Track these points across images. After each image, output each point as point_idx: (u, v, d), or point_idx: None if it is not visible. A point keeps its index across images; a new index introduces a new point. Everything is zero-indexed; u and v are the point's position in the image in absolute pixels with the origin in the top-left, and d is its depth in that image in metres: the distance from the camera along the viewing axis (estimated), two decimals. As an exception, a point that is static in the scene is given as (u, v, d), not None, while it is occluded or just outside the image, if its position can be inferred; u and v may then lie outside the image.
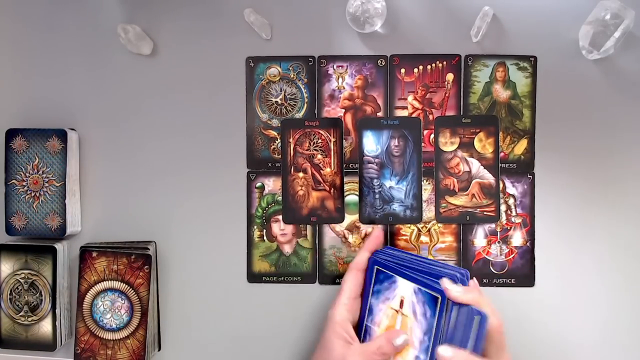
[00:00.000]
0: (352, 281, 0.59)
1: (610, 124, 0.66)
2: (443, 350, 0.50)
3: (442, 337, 0.52)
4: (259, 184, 0.69)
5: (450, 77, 0.67)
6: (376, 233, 0.63)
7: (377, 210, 0.67)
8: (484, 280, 0.67)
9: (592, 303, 0.67)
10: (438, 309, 0.52)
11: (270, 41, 0.69)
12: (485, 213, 0.67)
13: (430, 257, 0.67)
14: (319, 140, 0.68)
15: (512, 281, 0.67)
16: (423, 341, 0.53)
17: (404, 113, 0.68)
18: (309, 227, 0.69)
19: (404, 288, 0.56)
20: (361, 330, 0.59)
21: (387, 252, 0.61)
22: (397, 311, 0.56)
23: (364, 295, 0.60)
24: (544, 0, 0.66)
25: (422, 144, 0.68)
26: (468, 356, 0.50)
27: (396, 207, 0.67)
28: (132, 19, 0.69)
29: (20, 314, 0.68)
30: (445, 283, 0.52)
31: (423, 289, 0.54)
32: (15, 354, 0.69)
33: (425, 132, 0.68)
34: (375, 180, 0.67)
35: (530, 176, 0.67)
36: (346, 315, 0.57)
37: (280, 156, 0.69)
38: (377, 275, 0.58)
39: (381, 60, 0.68)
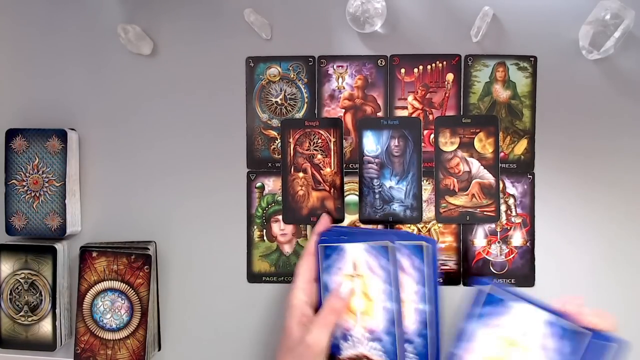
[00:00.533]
0: (305, 265, 0.59)
1: (610, 123, 0.66)
2: None
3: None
4: (259, 184, 0.69)
5: (450, 77, 0.67)
6: (323, 218, 0.64)
7: (377, 210, 0.67)
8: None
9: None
10: (390, 255, 0.52)
11: (270, 41, 0.69)
12: (485, 213, 0.67)
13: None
14: (319, 140, 0.68)
15: (512, 281, 0.67)
16: (386, 290, 0.53)
17: (404, 113, 0.68)
18: (309, 227, 0.69)
19: (353, 251, 0.55)
20: None
21: (331, 230, 0.61)
22: (352, 276, 0.55)
23: (318, 278, 0.59)
24: (544, 0, 0.66)
25: (422, 144, 0.67)
26: None
27: (396, 207, 0.67)
28: (132, 19, 0.69)
29: (20, 314, 0.68)
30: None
31: (372, 244, 0.53)
32: (15, 354, 0.69)
33: (425, 132, 0.68)
34: (375, 180, 0.67)
35: (530, 176, 0.67)
36: (303, 298, 0.56)
37: (280, 156, 0.69)
38: (324, 252, 0.58)
39: (381, 60, 0.68)
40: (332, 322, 0.54)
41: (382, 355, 0.54)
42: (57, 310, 0.68)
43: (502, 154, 0.67)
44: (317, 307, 0.59)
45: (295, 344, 0.53)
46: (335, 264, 0.57)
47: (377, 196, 0.67)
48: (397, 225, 0.66)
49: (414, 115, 0.68)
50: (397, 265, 0.52)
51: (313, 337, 0.53)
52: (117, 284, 0.67)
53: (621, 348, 0.44)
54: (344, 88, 0.68)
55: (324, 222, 0.64)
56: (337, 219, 0.68)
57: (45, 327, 0.68)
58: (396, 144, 0.67)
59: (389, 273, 0.53)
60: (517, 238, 0.67)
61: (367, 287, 0.55)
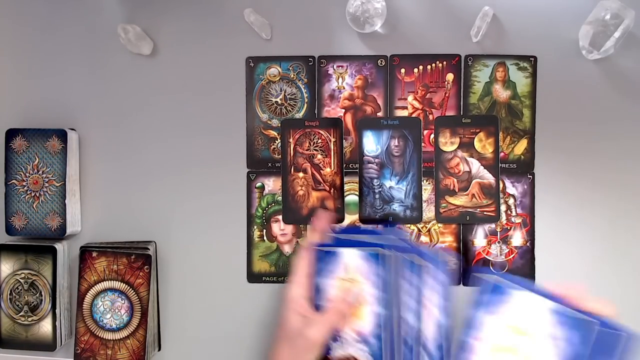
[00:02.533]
0: (304, 260, 0.59)
1: (610, 124, 0.66)
2: None
3: (398, 285, 0.51)
4: (259, 184, 0.69)
5: (450, 77, 0.67)
6: (320, 215, 0.62)
7: (377, 210, 0.67)
8: (484, 280, 0.67)
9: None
10: (381, 261, 0.53)
11: (270, 41, 0.69)
12: (485, 213, 0.67)
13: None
14: (319, 140, 0.68)
15: (512, 281, 0.67)
16: (377, 296, 0.53)
17: (404, 113, 0.68)
18: (309, 227, 0.69)
19: (347, 256, 0.56)
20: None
21: (333, 231, 0.61)
22: (344, 279, 0.56)
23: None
24: (544, 0, 0.66)
25: (422, 144, 0.67)
26: None
27: (396, 207, 0.67)
28: (132, 19, 0.69)
29: (20, 314, 0.68)
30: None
31: (364, 250, 0.54)
32: (15, 354, 0.69)
33: (425, 132, 0.68)
34: (375, 180, 0.67)
35: (530, 176, 0.67)
36: (301, 292, 0.57)
37: (280, 156, 0.69)
38: (317, 255, 0.58)
39: (381, 60, 0.68)
40: (334, 322, 0.55)
41: (369, 358, 0.55)
42: (57, 310, 0.68)
43: (502, 154, 0.67)
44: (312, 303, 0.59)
45: (294, 335, 0.55)
46: (329, 267, 0.58)
47: (377, 196, 0.67)
48: (397, 226, 0.66)
49: (414, 116, 0.68)
50: (393, 272, 0.52)
51: (313, 332, 0.54)
52: (117, 284, 0.67)
53: (631, 338, 0.43)
54: (344, 88, 0.68)
55: (323, 218, 0.62)
56: (336, 218, 0.68)
57: (45, 327, 0.68)
58: (396, 144, 0.67)
59: (379, 279, 0.54)
60: (517, 238, 0.67)
61: (360, 291, 0.55)
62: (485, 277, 0.49)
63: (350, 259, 0.56)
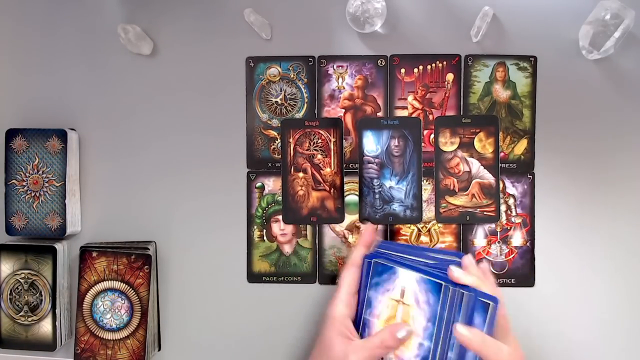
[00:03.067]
0: (350, 277, 0.58)
1: (610, 123, 0.66)
2: (460, 328, 0.50)
3: (450, 321, 0.52)
4: (259, 184, 0.69)
5: (450, 77, 0.67)
6: (368, 228, 0.63)
7: (377, 210, 0.67)
8: (484, 280, 0.67)
9: (592, 303, 0.67)
10: (442, 294, 0.52)
11: (270, 41, 0.69)
12: (485, 213, 0.67)
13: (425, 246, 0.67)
14: (319, 140, 0.68)
15: (512, 281, 0.67)
16: (427, 328, 0.53)
17: (404, 113, 0.68)
18: (309, 227, 0.69)
19: (405, 278, 0.55)
20: (359, 324, 0.58)
21: (384, 245, 0.61)
22: (397, 301, 0.55)
23: (360, 290, 0.59)
24: (544, 0, 0.66)
25: (422, 144, 0.67)
26: (483, 335, 0.50)
27: (396, 207, 0.67)
28: (132, 19, 0.69)
29: (20, 314, 0.68)
30: (451, 267, 0.52)
31: (426, 277, 0.54)
32: (15, 354, 0.69)
33: (425, 132, 0.68)
34: (375, 180, 0.67)
35: (530, 176, 0.67)
36: (345, 311, 0.56)
37: (280, 156, 0.69)
38: (375, 268, 0.57)
39: (381, 60, 0.68)
40: (379, 354, 0.54)
41: None
42: (57, 310, 0.68)
43: (502, 154, 0.67)
44: (355, 320, 0.58)
45: (336, 358, 0.54)
46: (384, 283, 0.57)
47: (377, 196, 0.67)
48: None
49: (414, 116, 0.68)
50: (446, 307, 0.52)
51: (356, 358, 0.53)
52: (117, 284, 0.67)
53: (475, 297, 0.51)
54: (344, 88, 0.68)
55: (370, 233, 0.61)
56: (336, 218, 0.68)
57: (45, 327, 0.68)
58: (396, 144, 0.67)
59: (434, 313, 0.53)
60: (517, 238, 0.67)
61: (410, 317, 0.54)
62: (366, 259, 0.57)
63: (409, 282, 0.55)
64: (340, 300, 0.57)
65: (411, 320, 0.54)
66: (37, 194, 0.68)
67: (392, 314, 0.56)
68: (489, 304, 0.50)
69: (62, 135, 0.68)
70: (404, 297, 0.55)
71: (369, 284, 0.58)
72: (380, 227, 0.67)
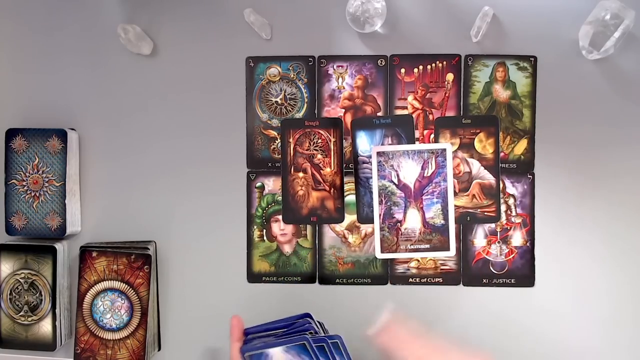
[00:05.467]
0: None
1: (610, 124, 0.66)
2: None
3: None
4: (259, 184, 0.69)
5: (450, 77, 0.67)
6: (233, 322, 0.62)
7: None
8: (484, 281, 0.67)
9: (592, 302, 0.67)
10: (310, 351, 0.57)
11: (270, 41, 0.69)
12: (485, 213, 0.67)
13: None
14: (319, 140, 0.68)
15: (512, 281, 0.67)
16: None
17: (404, 113, 0.68)
18: (309, 227, 0.69)
19: (277, 355, 0.58)
20: None
21: (249, 330, 0.62)
22: None
23: None
24: (544, 0, 0.66)
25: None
26: None
27: (396, 207, 0.67)
28: (132, 19, 0.69)
29: (20, 313, 0.68)
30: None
31: (290, 345, 0.57)
32: (15, 354, 0.69)
33: (426, 132, 0.68)
34: (370, 180, 0.67)
35: (530, 176, 0.67)
36: None
37: (280, 156, 0.69)
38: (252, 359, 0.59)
39: (381, 60, 0.68)
40: None
41: None
42: (57, 310, 0.68)
43: (502, 154, 0.67)
44: None
45: None
46: None
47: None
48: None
49: (405, 113, 0.68)
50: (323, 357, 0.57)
51: None
52: (117, 284, 0.67)
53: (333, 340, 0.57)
54: (344, 88, 0.68)
55: (236, 325, 0.61)
56: (336, 218, 0.68)
57: (45, 327, 0.68)
58: (390, 142, 0.67)
59: None
60: (517, 238, 0.67)
61: None
62: (246, 352, 0.59)
63: (281, 356, 0.58)
64: None
65: None
66: (37, 194, 0.68)
67: None
68: (337, 342, 0.57)
69: (62, 135, 0.68)
70: None
71: None
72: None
